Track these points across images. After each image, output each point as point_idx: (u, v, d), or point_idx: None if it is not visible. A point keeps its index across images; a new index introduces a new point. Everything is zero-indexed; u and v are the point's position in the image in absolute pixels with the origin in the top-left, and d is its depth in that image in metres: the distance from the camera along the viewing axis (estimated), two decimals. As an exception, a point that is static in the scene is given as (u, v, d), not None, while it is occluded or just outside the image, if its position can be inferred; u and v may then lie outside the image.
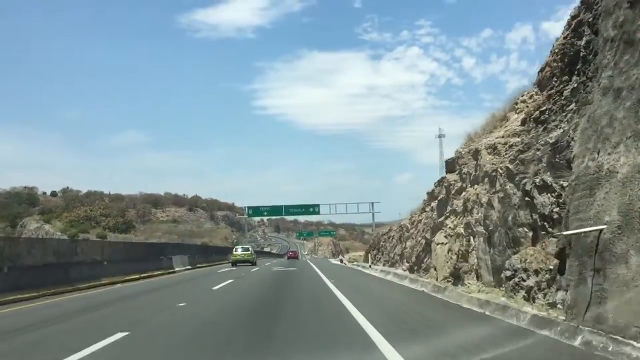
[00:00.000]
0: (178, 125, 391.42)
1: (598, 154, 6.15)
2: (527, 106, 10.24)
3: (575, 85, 7.77)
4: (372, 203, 55.65)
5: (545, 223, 8.29)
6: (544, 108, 8.82)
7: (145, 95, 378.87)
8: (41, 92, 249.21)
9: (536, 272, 8.07)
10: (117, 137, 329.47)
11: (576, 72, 7.81)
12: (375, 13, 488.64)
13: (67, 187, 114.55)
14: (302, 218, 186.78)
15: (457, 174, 14.13)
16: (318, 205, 56.66)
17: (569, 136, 7.65)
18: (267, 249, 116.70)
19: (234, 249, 40.67)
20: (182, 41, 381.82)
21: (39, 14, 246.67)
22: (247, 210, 57.90)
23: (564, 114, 8.08)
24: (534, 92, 10.24)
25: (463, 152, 13.79)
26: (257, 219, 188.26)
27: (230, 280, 18.91)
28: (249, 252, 38.31)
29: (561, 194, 7.67)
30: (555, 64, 8.66)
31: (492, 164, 10.91)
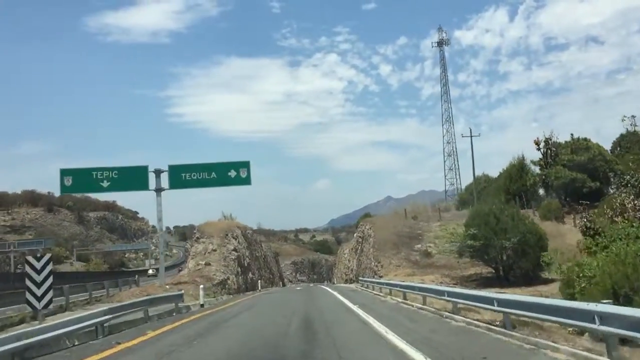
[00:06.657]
0: (88, 133, 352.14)
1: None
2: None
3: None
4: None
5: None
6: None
7: (51, 102, 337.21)
8: None
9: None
10: (21, 146, 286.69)
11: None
12: (293, 19, 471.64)
13: None
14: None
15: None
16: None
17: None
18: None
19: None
20: (92, 45, 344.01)
21: None
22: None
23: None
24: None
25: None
26: (153, 225, 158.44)
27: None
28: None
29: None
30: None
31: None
